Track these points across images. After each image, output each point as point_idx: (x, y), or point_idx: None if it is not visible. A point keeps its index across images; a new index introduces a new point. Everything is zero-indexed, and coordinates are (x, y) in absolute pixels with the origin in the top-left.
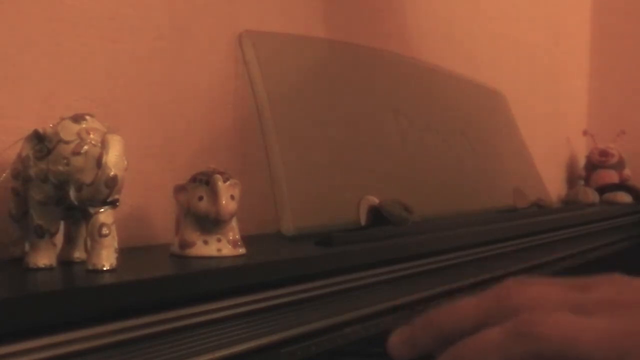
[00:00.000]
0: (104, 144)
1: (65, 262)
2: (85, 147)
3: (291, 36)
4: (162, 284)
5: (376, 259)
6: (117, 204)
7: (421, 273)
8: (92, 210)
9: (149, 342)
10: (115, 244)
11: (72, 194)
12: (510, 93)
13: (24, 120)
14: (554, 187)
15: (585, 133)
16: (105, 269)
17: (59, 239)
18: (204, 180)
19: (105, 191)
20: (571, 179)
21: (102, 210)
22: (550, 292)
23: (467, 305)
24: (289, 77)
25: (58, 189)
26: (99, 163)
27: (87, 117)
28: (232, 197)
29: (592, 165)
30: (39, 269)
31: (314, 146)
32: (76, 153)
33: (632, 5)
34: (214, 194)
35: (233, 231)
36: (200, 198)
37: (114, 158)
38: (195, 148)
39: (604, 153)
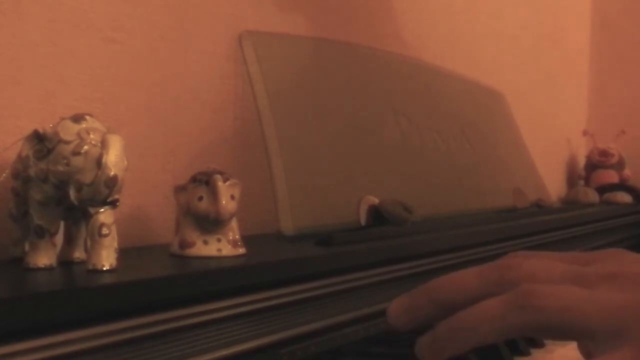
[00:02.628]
0: (104, 144)
1: (65, 262)
2: (85, 147)
3: (291, 36)
4: (162, 284)
5: (376, 259)
6: (117, 204)
7: (421, 273)
8: (92, 210)
9: (149, 342)
10: (115, 244)
11: (72, 194)
12: (510, 93)
13: (24, 120)
14: (554, 187)
15: (585, 133)
16: (105, 269)
17: (59, 239)
18: (204, 180)
19: (105, 191)
20: (571, 179)
21: (102, 210)
22: (551, 265)
23: (467, 276)
24: (289, 77)
25: (58, 189)
26: (99, 163)
27: (87, 117)
28: (232, 197)
29: (592, 165)
30: (39, 269)
31: (314, 146)
32: (76, 153)
33: (632, 5)
34: (214, 194)
35: (233, 231)
36: (200, 198)
37: (114, 158)
38: (195, 148)
39: (604, 153)
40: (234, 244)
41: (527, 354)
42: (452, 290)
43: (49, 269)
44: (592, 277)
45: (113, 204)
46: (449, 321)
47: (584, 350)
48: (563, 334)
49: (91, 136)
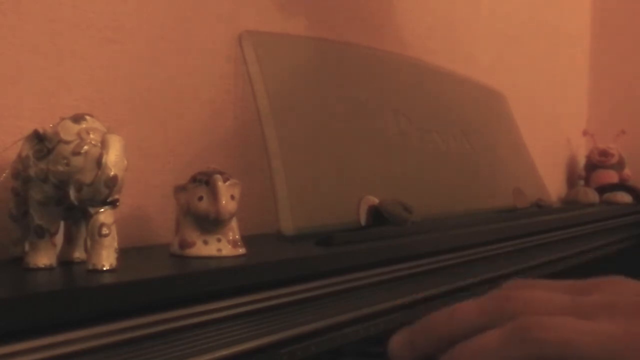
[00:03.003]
0: (104, 144)
1: (65, 262)
2: (85, 147)
3: (291, 36)
4: (162, 284)
5: (376, 259)
6: (117, 204)
7: (421, 273)
8: (92, 210)
9: (149, 342)
10: (115, 244)
11: (72, 194)
12: (510, 93)
13: (24, 120)
14: (554, 187)
15: (585, 133)
16: (105, 269)
17: (59, 239)
18: (204, 180)
19: (105, 191)
20: (571, 179)
21: (102, 210)
22: (550, 295)
23: (466, 308)
24: (289, 77)
25: (58, 189)
26: (99, 163)
27: (87, 117)
28: (232, 197)
29: (592, 165)
30: (39, 269)
31: (313, 146)
32: (76, 153)
33: (632, 5)
34: (214, 194)
35: (233, 231)
36: (200, 198)
37: (114, 158)
38: (195, 148)
39: (604, 153)
40: (234, 244)
41: None
42: (450, 324)
43: (49, 269)
44: (592, 308)
45: (113, 204)
46: (448, 355)
47: None
48: None
49: (91, 136)
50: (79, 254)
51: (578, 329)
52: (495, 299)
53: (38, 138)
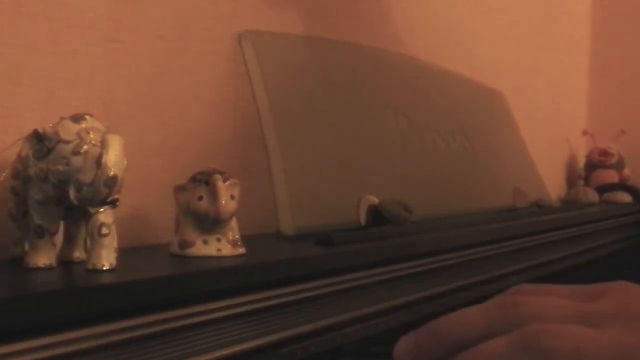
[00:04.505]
0: (104, 144)
1: (65, 262)
2: (85, 147)
3: (291, 36)
4: (162, 284)
5: (376, 259)
6: (117, 204)
7: (421, 273)
8: (92, 210)
9: (149, 342)
10: (115, 244)
11: (72, 194)
12: (510, 93)
13: (24, 120)
14: (554, 187)
15: (585, 133)
16: (105, 269)
17: (59, 239)
18: (204, 180)
19: (105, 191)
20: (571, 179)
21: (102, 210)
22: (557, 302)
23: (472, 315)
24: (289, 77)
25: (58, 189)
26: (99, 163)
27: (87, 117)
28: (232, 197)
29: (592, 165)
30: (39, 269)
31: (314, 146)
32: (76, 153)
33: (632, 5)
34: (214, 194)
35: (233, 231)
36: (200, 198)
37: (114, 158)
38: (195, 148)
39: (604, 153)
40: (234, 244)
41: None
42: (457, 330)
43: (49, 269)
44: (600, 316)
45: (113, 204)
46: None
47: None
48: None
49: (91, 136)
50: (79, 254)
51: (586, 338)
52: (502, 306)
53: (38, 138)
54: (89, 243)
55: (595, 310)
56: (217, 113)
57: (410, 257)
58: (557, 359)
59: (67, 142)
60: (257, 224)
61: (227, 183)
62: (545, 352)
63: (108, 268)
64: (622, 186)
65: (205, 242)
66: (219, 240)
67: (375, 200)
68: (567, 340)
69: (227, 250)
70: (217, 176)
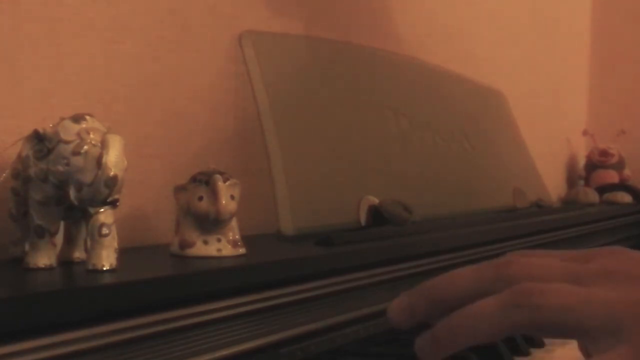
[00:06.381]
0: (104, 144)
1: (65, 262)
2: (85, 147)
3: (291, 36)
4: (162, 284)
5: (376, 259)
6: (117, 204)
7: (421, 273)
8: (92, 210)
9: (149, 342)
10: (115, 244)
11: (72, 194)
12: (510, 93)
13: (24, 120)
14: (554, 187)
15: (585, 133)
16: (105, 269)
17: (59, 239)
18: (204, 180)
19: (105, 191)
20: (571, 179)
21: (102, 210)
22: (549, 263)
23: (465, 274)
24: (289, 77)
25: (58, 189)
26: (99, 163)
27: (87, 117)
28: (232, 197)
29: (592, 165)
30: (39, 269)
31: (314, 146)
32: (76, 153)
33: (632, 5)
34: (214, 194)
35: (233, 231)
36: (200, 198)
37: (114, 158)
38: (196, 148)
39: (604, 153)
40: (234, 244)
41: (527, 354)
42: (449, 289)
43: (49, 269)
44: (589, 275)
45: (113, 204)
46: (446, 320)
47: (584, 349)
48: (560, 332)
49: (91, 136)
50: (79, 254)
51: (575, 296)
52: (494, 266)
53: (38, 138)
54: (89, 243)
55: (585, 270)
56: (217, 113)
57: (410, 257)
58: (548, 315)
59: (67, 142)
60: (257, 224)
61: (227, 183)
62: (535, 309)
63: (108, 268)
64: (622, 186)
65: (205, 242)
66: (219, 240)
67: (375, 200)
68: (558, 297)
69: (227, 250)
70: (217, 176)
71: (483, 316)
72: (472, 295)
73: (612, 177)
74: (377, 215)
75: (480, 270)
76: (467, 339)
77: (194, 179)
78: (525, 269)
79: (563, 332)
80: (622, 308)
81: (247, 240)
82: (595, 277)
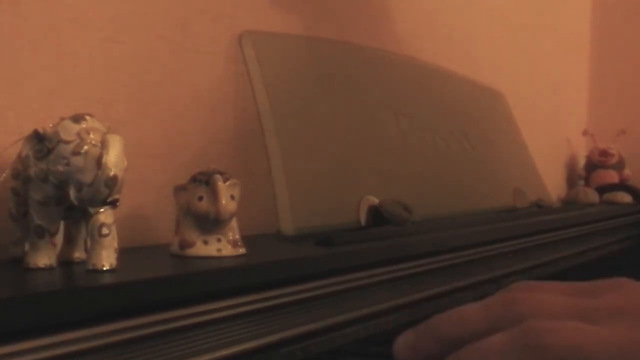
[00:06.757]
0: (104, 144)
1: (65, 262)
2: (85, 147)
3: (291, 36)
4: (162, 284)
5: (376, 259)
6: (117, 204)
7: (421, 273)
8: (92, 210)
9: (149, 342)
10: (115, 244)
11: (72, 194)
12: (510, 93)
13: (24, 120)
14: (554, 187)
15: (585, 133)
16: (105, 269)
17: (59, 239)
18: (204, 180)
19: (105, 191)
20: (571, 179)
21: (102, 210)
22: (557, 299)
23: (471, 311)
24: (289, 77)
25: (58, 189)
26: (99, 163)
27: (87, 117)
28: (232, 197)
29: (592, 165)
30: (39, 269)
31: (314, 146)
32: (76, 153)
33: (632, 5)
34: (214, 194)
35: (233, 231)
36: (200, 198)
37: (114, 158)
38: (195, 148)
39: (604, 153)
40: (234, 244)
41: None
42: (456, 326)
43: (49, 269)
44: (599, 312)
45: (113, 204)
46: (454, 357)
47: None
48: None
49: (91, 136)
50: (79, 254)
51: (585, 334)
52: (501, 302)
53: (38, 138)
54: (89, 243)
55: (594, 306)
56: (217, 113)
57: (410, 257)
58: (556, 355)
59: (67, 142)
60: (257, 224)
61: (227, 183)
62: (544, 348)
63: (108, 268)
64: (622, 186)
65: (205, 242)
66: (219, 240)
67: (375, 200)
68: (566, 336)
69: (227, 250)
70: (217, 176)
71: (490, 354)
72: (479, 333)
73: (612, 177)
74: (377, 215)
75: (487, 307)
76: None
77: (194, 179)
78: (535, 306)
79: None
80: (633, 347)
81: (247, 240)
82: (606, 315)
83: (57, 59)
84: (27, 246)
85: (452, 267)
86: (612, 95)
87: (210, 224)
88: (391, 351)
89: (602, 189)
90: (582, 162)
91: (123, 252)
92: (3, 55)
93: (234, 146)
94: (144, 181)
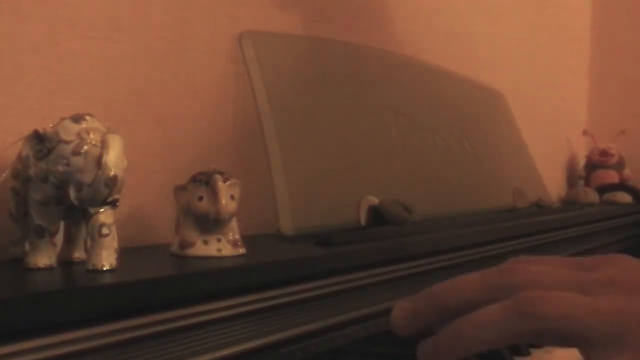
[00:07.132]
0: (104, 144)
1: (65, 262)
2: (85, 147)
3: (291, 36)
4: (162, 284)
5: (376, 259)
6: (117, 204)
7: (421, 273)
8: (92, 210)
9: (149, 342)
10: (115, 244)
11: (72, 194)
12: (510, 93)
13: (24, 120)
14: (554, 187)
15: (585, 133)
16: (105, 269)
17: (59, 239)
18: (204, 180)
19: (105, 191)
20: (571, 179)
21: (102, 210)
22: (553, 271)
23: (469, 281)
24: (289, 77)
25: (58, 189)
26: (99, 163)
27: (87, 117)
28: (232, 197)
29: (592, 165)
30: (39, 269)
31: (313, 146)
32: (76, 153)
33: (632, 5)
34: (214, 194)
35: (233, 231)
36: (200, 198)
37: (114, 158)
38: (195, 148)
39: (604, 153)
40: (234, 244)
41: (527, 354)
42: (453, 295)
43: (49, 269)
44: (593, 284)
45: (113, 204)
46: (450, 327)
47: (586, 357)
48: (564, 341)
49: (91, 136)
50: (79, 254)
51: (579, 305)
52: (498, 272)
53: (38, 138)
54: (89, 243)
55: (589, 279)
56: (217, 113)
57: (410, 257)
58: (549, 324)
59: (67, 142)
60: (257, 224)
61: (227, 183)
62: (539, 317)
63: (108, 268)
64: (622, 186)
65: (205, 242)
66: (219, 240)
67: (375, 200)
68: (560, 306)
69: (227, 250)
70: (217, 176)
71: (487, 324)
72: (475, 302)
73: (612, 177)
74: (377, 215)
75: (484, 276)
76: (471, 346)
77: (194, 179)
78: (531, 277)
79: (567, 340)
80: (627, 317)
81: (247, 240)
82: (600, 286)
83: (57, 59)
84: (27, 246)
85: (452, 267)
86: (612, 95)
87: (210, 224)
88: (391, 351)
89: (602, 189)
90: (582, 162)
91: (123, 252)
92: (3, 55)
93: (234, 146)
94: (144, 181)
